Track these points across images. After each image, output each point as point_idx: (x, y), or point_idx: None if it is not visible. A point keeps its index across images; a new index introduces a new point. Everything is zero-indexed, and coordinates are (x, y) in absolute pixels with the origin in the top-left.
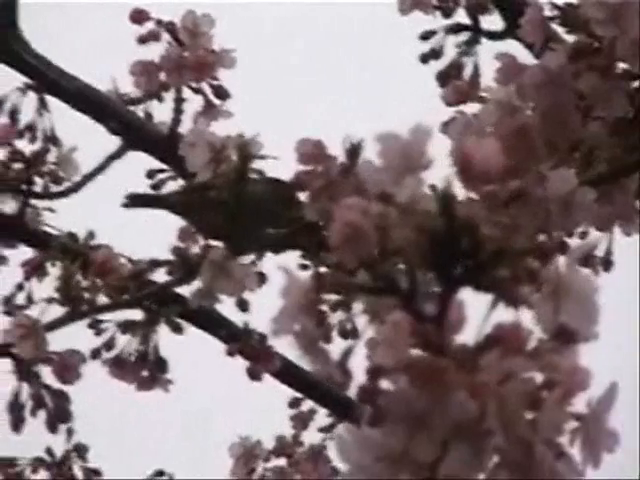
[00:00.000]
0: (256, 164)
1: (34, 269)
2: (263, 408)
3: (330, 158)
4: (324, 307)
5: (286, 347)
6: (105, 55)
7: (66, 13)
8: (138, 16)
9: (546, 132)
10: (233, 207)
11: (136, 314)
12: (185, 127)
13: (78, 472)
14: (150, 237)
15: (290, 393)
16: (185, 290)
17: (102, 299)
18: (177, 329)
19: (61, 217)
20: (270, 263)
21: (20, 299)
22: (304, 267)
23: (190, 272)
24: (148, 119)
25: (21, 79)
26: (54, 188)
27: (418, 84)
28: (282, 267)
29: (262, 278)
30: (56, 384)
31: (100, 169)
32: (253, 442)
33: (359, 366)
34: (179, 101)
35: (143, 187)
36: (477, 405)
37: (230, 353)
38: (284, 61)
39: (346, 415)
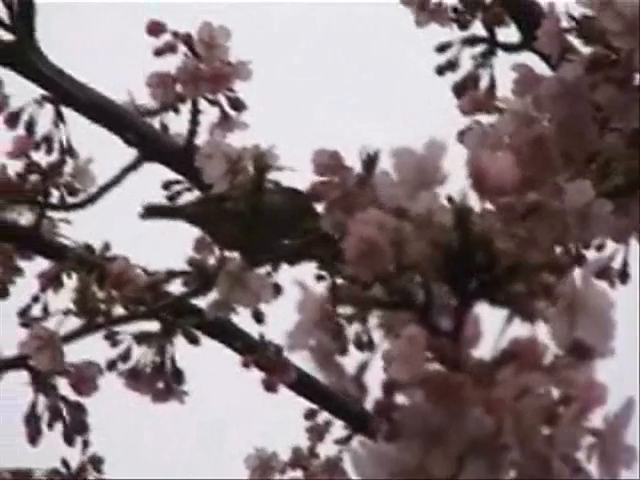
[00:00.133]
0: (272, 175)
1: (50, 281)
2: (279, 420)
3: (346, 169)
4: (340, 319)
5: (301, 359)
6: (117, 57)
7: (77, 14)
8: (155, 28)
9: (562, 143)
10: (249, 218)
11: (152, 325)
12: (201, 139)
13: None
14: (166, 248)
15: (306, 405)
16: (201, 301)
17: (118, 310)
18: (193, 340)
19: (77, 228)
20: (285, 274)
21: (36, 311)
22: (320, 278)
23: (206, 283)
24: (164, 131)
25: (37, 90)
26: (70, 199)
27: (435, 91)
28: (298, 281)
29: (277, 289)
30: (73, 396)
31: (116, 180)
32: (269, 454)
33: (375, 378)
34: (195, 113)
35: (159, 198)
36: (493, 420)
37: (246, 365)
38: (301, 71)
39: (362, 427)
